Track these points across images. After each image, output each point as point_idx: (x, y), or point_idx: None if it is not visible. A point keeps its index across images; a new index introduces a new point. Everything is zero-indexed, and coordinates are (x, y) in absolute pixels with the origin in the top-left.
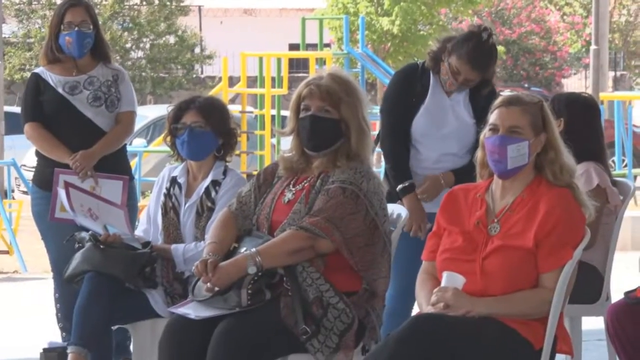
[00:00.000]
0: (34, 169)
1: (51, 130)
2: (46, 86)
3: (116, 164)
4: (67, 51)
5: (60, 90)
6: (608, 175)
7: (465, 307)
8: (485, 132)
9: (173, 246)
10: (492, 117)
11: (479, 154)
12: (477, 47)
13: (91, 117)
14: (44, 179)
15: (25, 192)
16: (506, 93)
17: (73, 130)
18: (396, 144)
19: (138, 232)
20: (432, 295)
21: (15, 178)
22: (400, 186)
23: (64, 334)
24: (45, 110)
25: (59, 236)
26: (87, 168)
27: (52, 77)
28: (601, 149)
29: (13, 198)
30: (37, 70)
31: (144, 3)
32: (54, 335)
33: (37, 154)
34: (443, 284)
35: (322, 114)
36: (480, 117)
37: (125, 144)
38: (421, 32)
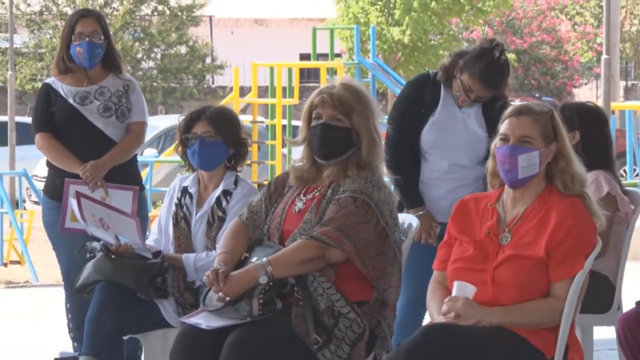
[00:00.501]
0: (45, 180)
1: (62, 141)
2: (57, 96)
3: (127, 174)
4: (78, 62)
5: (70, 100)
6: (618, 184)
7: (476, 317)
8: (496, 142)
9: (184, 255)
10: (503, 127)
11: (489, 163)
12: (490, 66)
13: (102, 128)
14: (55, 189)
15: (36, 203)
16: (516, 103)
17: (84, 141)
18: (400, 153)
19: (149, 242)
20: (443, 305)
21: (27, 188)
22: (411, 211)
23: (75, 344)
24: (56, 121)
25: (70, 246)
26: (98, 178)
27: (63, 88)
28: (610, 158)
29: (24, 208)
30: (48, 80)
31: (155, 13)
32: (65, 345)
33: (48, 164)
34: (454, 293)
35: (334, 123)
36: (493, 129)
37: (136, 154)
38: (432, 42)
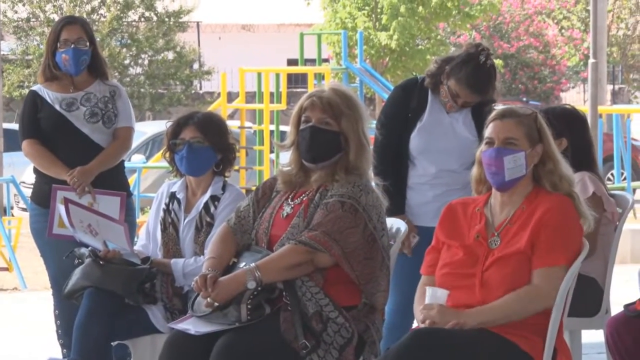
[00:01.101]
0: (32, 186)
1: (49, 147)
2: (43, 103)
3: (114, 180)
4: (64, 68)
5: (57, 107)
6: (603, 185)
7: (452, 321)
8: (482, 147)
9: (173, 260)
10: (488, 130)
11: (474, 170)
12: (476, 71)
13: (88, 134)
14: (42, 195)
15: (24, 209)
16: (499, 107)
17: (70, 147)
18: (387, 158)
19: (137, 247)
20: (419, 313)
21: (15, 195)
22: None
23: (64, 350)
24: (42, 127)
25: (58, 253)
26: (85, 184)
27: (49, 94)
28: (593, 159)
29: (12, 215)
30: (34, 87)
31: (142, 20)
32: (54, 351)
33: (35, 171)
34: (427, 301)
35: (323, 126)
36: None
37: (123, 160)
38: (419, 47)
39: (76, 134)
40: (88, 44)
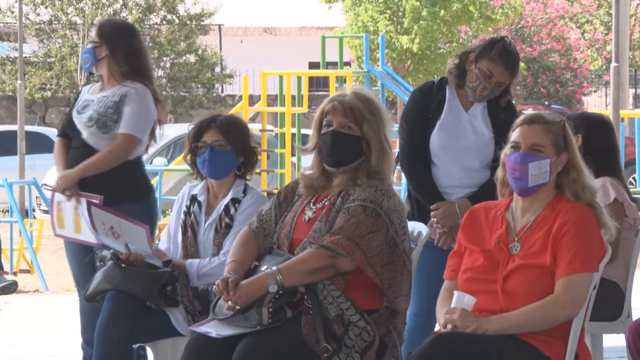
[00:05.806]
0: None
1: (69, 148)
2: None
3: (129, 186)
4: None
5: (75, 108)
6: (625, 190)
7: (473, 326)
8: (507, 150)
9: (188, 261)
10: (514, 134)
11: (499, 172)
12: (506, 49)
13: (85, 138)
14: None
15: (46, 212)
16: (529, 111)
17: (74, 150)
18: (415, 163)
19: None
20: (441, 317)
21: (36, 197)
22: (434, 206)
23: None
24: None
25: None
26: (67, 188)
27: (85, 94)
28: (616, 164)
29: (34, 217)
30: (86, 85)
31: (164, 22)
32: (74, 353)
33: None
34: (452, 304)
35: (344, 130)
36: (499, 130)
37: (139, 164)
38: (441, 50)
39: (78, 137)
40: (98, 43)
